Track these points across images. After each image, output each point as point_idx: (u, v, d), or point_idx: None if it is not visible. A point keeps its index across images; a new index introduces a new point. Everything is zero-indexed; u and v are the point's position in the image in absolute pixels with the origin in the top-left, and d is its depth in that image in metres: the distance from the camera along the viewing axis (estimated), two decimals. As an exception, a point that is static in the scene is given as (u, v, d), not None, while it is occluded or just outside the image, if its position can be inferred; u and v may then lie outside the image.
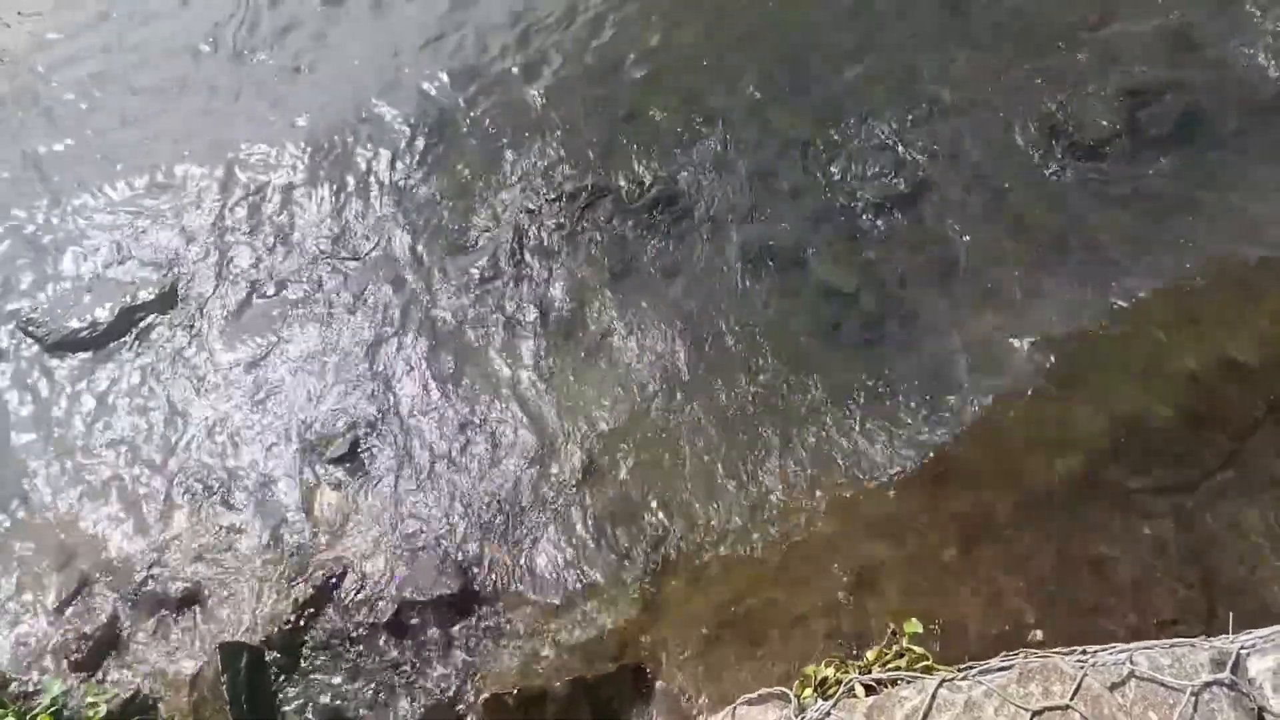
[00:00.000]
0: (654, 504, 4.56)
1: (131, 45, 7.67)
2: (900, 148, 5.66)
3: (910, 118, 5.80)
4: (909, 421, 4.62)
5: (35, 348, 5.65)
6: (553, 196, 5.86)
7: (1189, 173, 5.28)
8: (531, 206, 5.85)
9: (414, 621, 4.24)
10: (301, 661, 4.26)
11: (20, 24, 7.98)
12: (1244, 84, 5.50)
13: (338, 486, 4.83)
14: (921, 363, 4.82)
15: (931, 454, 4.51)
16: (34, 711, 4.15)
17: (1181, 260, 4.95)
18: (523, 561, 4.45)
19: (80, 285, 5.86)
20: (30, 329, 5.62)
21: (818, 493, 4.47)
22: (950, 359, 4.82)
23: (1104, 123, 5.47)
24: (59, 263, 6.07)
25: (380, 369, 5.29)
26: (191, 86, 7.18)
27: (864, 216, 5.43)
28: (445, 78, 6.80)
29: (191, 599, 4.58)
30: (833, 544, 4.31)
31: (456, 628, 4.23)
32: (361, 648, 4.25)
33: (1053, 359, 4.71)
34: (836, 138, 5.81)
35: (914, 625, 3.50)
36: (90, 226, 6.26)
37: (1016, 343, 4.79)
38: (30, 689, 4.33)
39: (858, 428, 4.64)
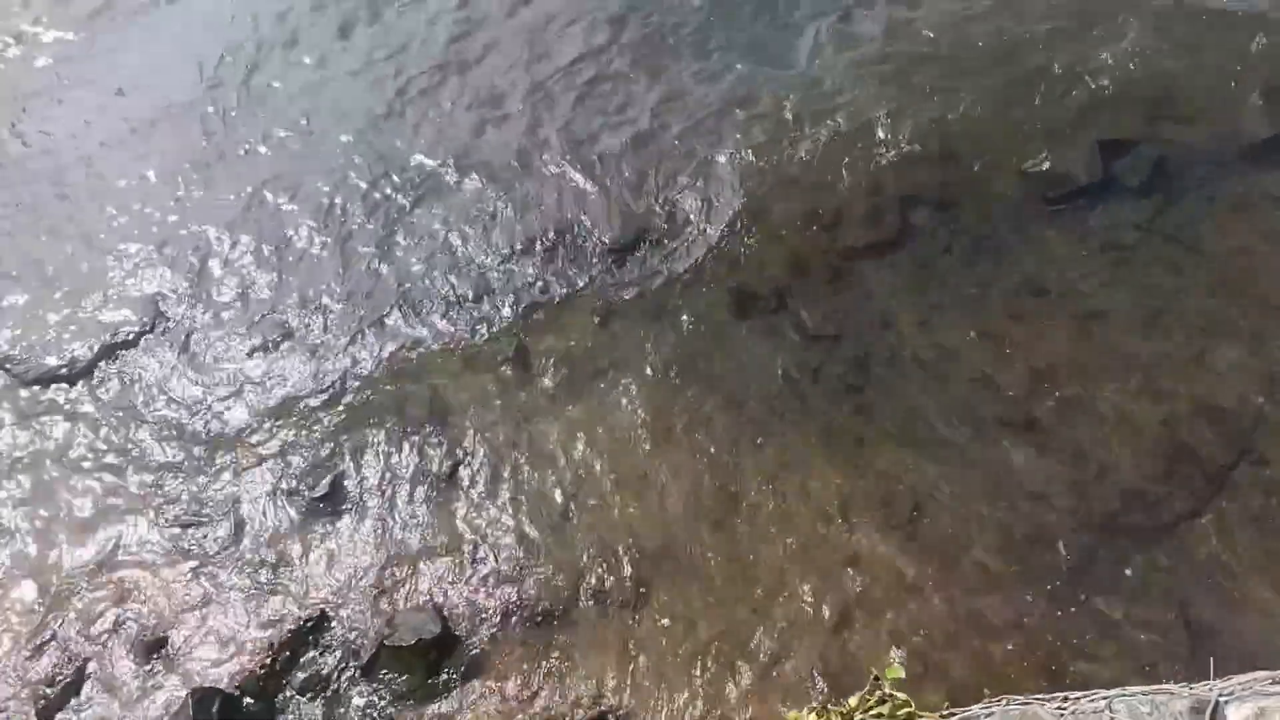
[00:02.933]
0: (632, 545, 4.56)
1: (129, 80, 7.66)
2: (882, 194, 5.75)
3: (893, 164, 5.89)
4: (888, 462, 4.67)
5: (13, 383, 5.57)
6: (528, 244, 5.90)
7: (1161, 220, 5.41)
8: (506, 254, 5.88)
9: (393, 666, 4.17)
10: (277, 708, 4.17)
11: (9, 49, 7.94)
12: (1215, 136, 5.66)
13: (317, 527, 4.77)
14: (901, 405, 4.87)
15: (912, 495, 4.55)
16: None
17: (1155, 304, 5.06)
18: (500, 604, 4.41)
19: (61, 324, 5.80)
20: (7, 366, 5.56)
21: (799, 533, 4.49)
22: (929, 401, 4.88)
23: (1081, 172, 5.59)
24: (41, 302, 6.01)
25: (362, 410, 5.26)
26: (183, 130, 7.16)
27: (847, 260, 5.51)
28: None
29: (162, 643, 4.48)
30: (814, 585, 4.31)
31: (437, 672, 4.17)
32: (339, 693, 4.18)
33: (1028, 410, 4.78)
34: (819, 183, 5.90)
35: (896, 670, 3.48)
36: (76, 266, 6.22)
37: (990, 392, 4.85)
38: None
39: (839, 468, 4.67)
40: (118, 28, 7.94)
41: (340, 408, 5.26)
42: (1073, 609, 4.12)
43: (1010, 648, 4.05)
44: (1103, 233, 5.41)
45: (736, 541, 4.52)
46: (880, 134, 6.02)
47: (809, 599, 4.28)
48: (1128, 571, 4.22)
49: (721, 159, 6.13)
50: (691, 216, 5.90)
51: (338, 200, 6.33)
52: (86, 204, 6.54)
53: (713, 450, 4.86)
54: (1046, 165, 5.69)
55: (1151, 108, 5.89)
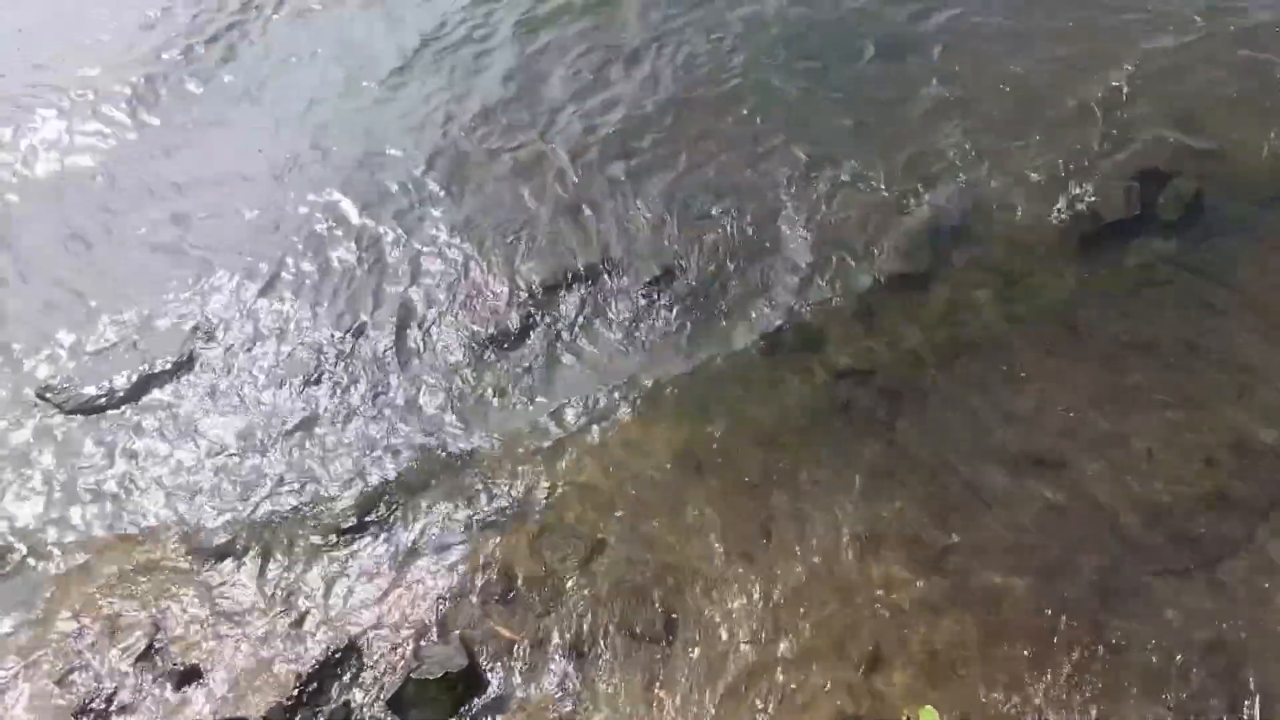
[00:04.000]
0: (660, 578, 4.53)
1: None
2: (908, 227, 5.77)
3: (922, 196, 5.91)
4: (923, 498, 4.62)
5: (53, 413, 5.70)
6: (560, 278, 5.96)
7: (1197, 256, 5.35)
8: (537, 286, 5.94)
9: (419, 699, 4.16)
10: (301, 741, 4.18)
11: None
12: (1256, 170, 5.63)
13: (345, 558, 4.80)
14: (935, 441, 4.83)
15: (943, 532, 4.49)
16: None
17: (1191, 340, 4.99)
18: (527, 638, 4.40)
19: (100, 354, 5.94)
20: (48, 395, 5.69)
21: (828, 568, 4.44)
22: (964, 439, 4.83)
23: (1118, 205, 5.56)
24: (83, 332, 6.17)
25: (398, 441, 5.31)
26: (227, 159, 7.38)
27: (873, 295, 5.51)
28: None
29: (192, 671, 4.51)
30: (843, 620, 4.25)
31: (463, 705, 4.15)
32: (364, 726, 4.19)
33: (1060, 447, 4.71)
34: (842, 216, 5.92)
35: (931, 714, 3.42)
36: (117, 297, 6.38)
37: (1020, 430, 4.79)
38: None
39: (871, 506, 4.63)
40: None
41: (369, 439, 5.32)
42: (1109, 650, 4.02)
43: (1044, 689, 3.95)
44: (1137, 268, 5.37)
45: (765, 576, 4.47)
46: (901, 170, 6.05)
47: (838, 635, 4.22)
48: (1167, 613, 4.11)
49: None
50: (720, 251, 5.95)
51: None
52: (129, 237, 6.73)
53: (742, 483, 4.84)
54: (1078, 199, 5.67)
55: (1188, 137, 5.85)
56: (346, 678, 4.34)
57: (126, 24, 8.89)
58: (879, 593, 4.33)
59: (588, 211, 6.36)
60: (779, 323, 5.51)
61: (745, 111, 6.81)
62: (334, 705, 4.23)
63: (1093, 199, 5.65)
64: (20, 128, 7.89)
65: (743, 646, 4.25)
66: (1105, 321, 5.18)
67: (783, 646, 4.21)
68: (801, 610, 4.31)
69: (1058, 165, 5.91)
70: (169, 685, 4.45)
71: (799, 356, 5.35)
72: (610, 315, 5.75)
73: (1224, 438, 4.63)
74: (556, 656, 4.32)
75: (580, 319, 5.76)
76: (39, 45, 8.77)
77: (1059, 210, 5.67)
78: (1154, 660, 3.96)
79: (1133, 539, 4.35)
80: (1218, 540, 4.29)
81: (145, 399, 5.69)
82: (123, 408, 5.65)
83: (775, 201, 6.14)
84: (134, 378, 5.76)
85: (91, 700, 4.42)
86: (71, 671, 4.57)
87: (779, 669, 4.14)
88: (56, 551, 5.08)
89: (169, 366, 5.81)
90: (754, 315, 5.58)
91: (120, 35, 8.76)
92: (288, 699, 4.24)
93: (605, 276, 5.95)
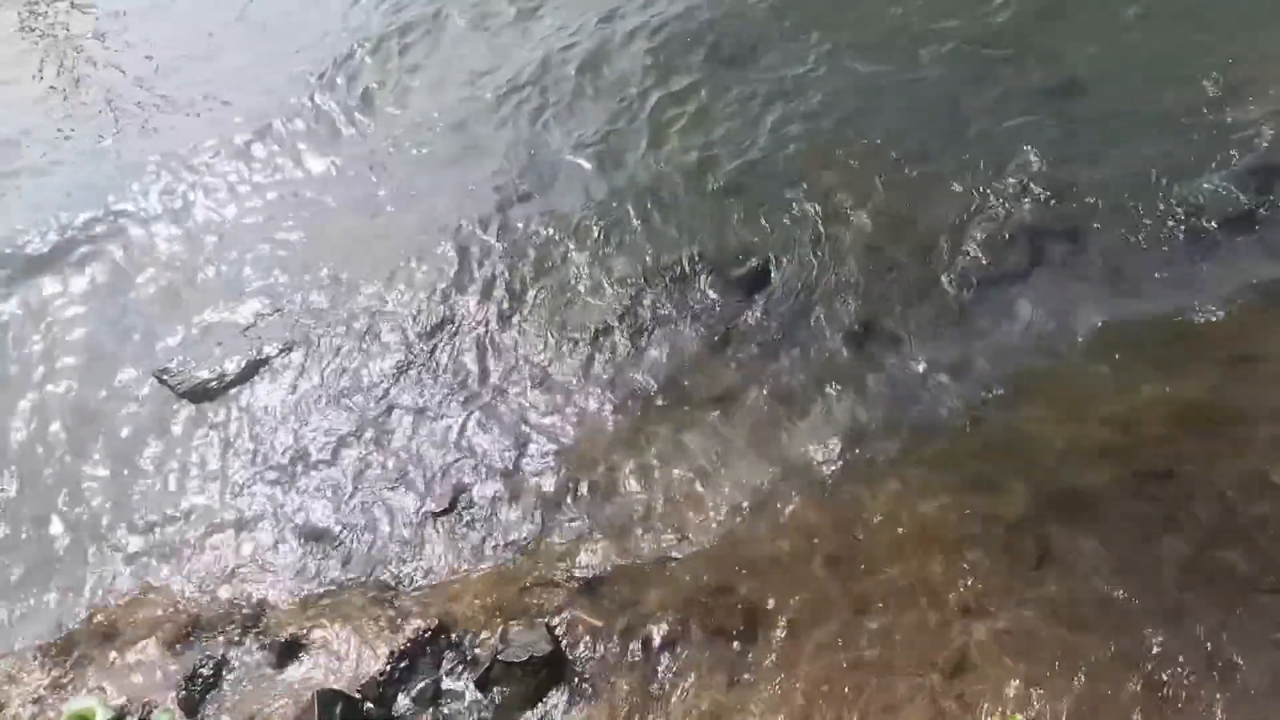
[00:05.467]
0: (744, 576, 4.51)
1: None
2: (1007, 225, 5.60)
3: (1018, 193, 5.73)
4: (1014, 507, 4.47)
5: (168, 395, 6.05)
6: (652, 270, 6.01)
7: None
8: (631, 279, 6.01)
9: (505, 681, 4.26)
10: (394, 714, 4.33)
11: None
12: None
13: (437, 541, 4.96)
14: (1030, 447, 4.68)
15: (1039, 543, 4.34)
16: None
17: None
18: (610, 628, 4.45)
19: (213, 339, 6.29)
20: (165, 378, 6.04)
21: (914, 574, 4.35)
22: (1053, 448, 4.67)
23: (1229, 207, 5.28)
24: (198, 318, 6.54)
25: (490, 429, 5.45)
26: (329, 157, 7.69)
27: (968, 296, 5.37)
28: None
29: (292, 644, 4.73)
30: (929, 628, 4.16)
31: (546, 690, 4.24)
32: (452, 703, 4.30)
33: (1168, 459, 4.50)
34: (941, 219, 5.78)
35: (1022, 722, 3.33)
36: (232, 285, 6.75)
37: (1124, 437, 4.61)
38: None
39: (961, 509, 4.51)
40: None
41: (463, 424, 5.48)
42: (1214, 674, 3.82)
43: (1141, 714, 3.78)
44: (1254, 268, 5.08)
45: (850, 577, 4.41)
46: (1012, 165, 5.88)
47: (924, 644, 4.13)
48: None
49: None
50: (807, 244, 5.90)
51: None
52: (244, 232, 7.10)
53: (828, 485, 4.78)
54: (1190, 194, 5.41)
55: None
56: (436, 657, 4.48)
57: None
58: (969, 601, 4.21)
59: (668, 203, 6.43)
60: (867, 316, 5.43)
61: (834, 105, 6.71)
62: (424, 682, 4.38)
63: (1206, 193, 5.36)
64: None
65: (823, 642, 4.20)
66: (1220, 324, 4.94)
67: (863, 645, 4.16)
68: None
69: (1170, 155, 5.64)
70: (272, 657, 4.69)
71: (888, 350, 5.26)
72: (694, 313, 5.75)
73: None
74: (639, 646, 4.36)
75: (660, 317, 5.78)
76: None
77: (1169, 203, 5.41)
78: (1262, 685, 3.74)
79: (1244, 558, 4.11)
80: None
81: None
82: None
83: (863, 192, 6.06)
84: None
85: (200, 667, 4.69)
86: (183, 641, 4.86)
87: (861, 671, 4.09)
88: (169, 529, 5.41)
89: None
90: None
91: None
92: (381, 674, 4.41)
93: (687, 265, 5.98)
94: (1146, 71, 6.22)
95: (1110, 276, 5.28)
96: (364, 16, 8.97)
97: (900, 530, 4.50)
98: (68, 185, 7.79)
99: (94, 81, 8.92)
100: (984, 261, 5.49)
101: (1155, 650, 3.85)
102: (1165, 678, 3.77)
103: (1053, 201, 5.67)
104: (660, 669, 4.29)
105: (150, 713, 4.56)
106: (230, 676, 4.68)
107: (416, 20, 8.68)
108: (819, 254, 5.81)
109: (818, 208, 6.05)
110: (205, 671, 4.66)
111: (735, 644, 4.29)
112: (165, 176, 7.69)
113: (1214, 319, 4.97)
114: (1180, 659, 3.81)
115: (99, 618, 5.07)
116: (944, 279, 5.48)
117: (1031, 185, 5.77)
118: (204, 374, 6.01)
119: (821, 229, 5.94)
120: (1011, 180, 5.82)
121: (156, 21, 9.64)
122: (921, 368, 5.14)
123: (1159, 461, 4.48)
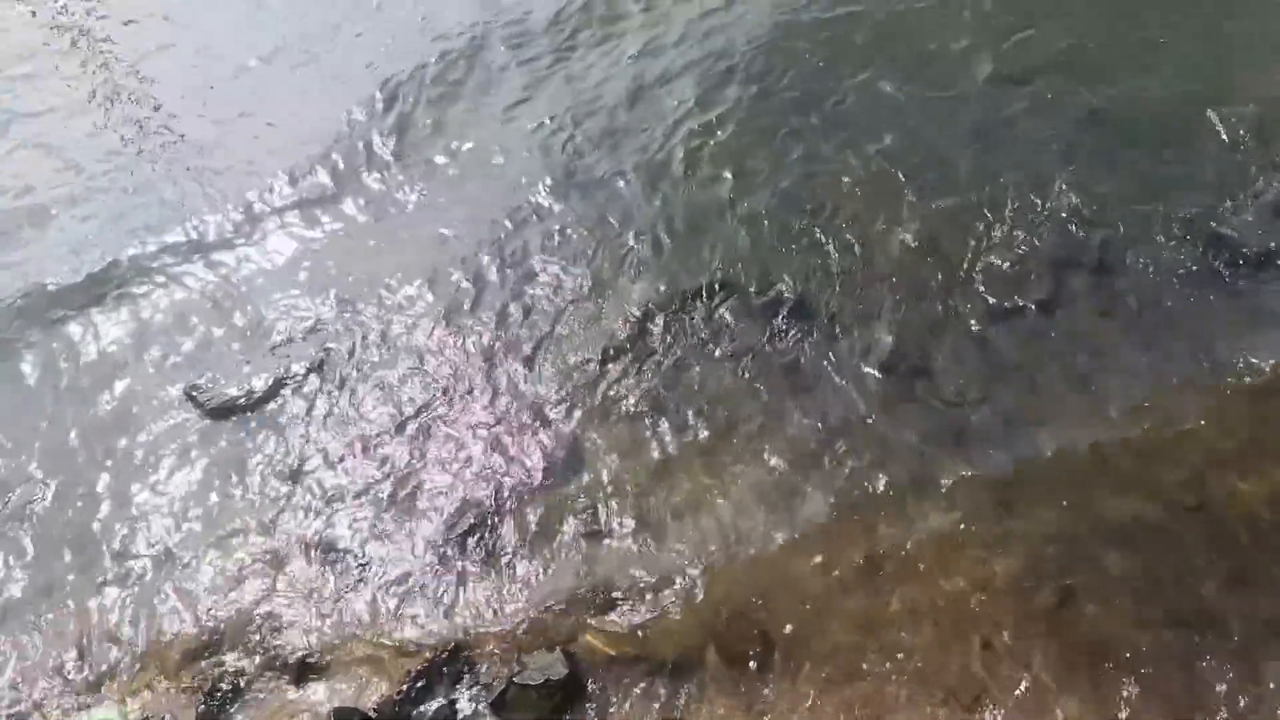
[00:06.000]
0: (763, 604, 4.49)
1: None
2: (1034, 257, 5.57)
3: (1046, 225, 5.71)
4: (1037, 539, 4.42)
5: (196, 412, 6.15)
6: (676, 295, 6.05)
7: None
8: (653, 304, 6.04)
9: (520, 704, 4.25)
10: (409, 734, 4.34)
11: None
12: None
13: (458, 563, 4.97)
14: (1053, 478, 4.63)
15: (1062, 576, 4.28)
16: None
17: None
18: (628, 654, 4.43)
19: (241, 358, 6.40)
20: (194, 394, 6.15)
21: (934, 605, 4.30)
22: (1086, 475, 4.61)
23: (1265, 240, 5.24)
24: (228, 337, 6.68)
25: (509, 453, 5.47)
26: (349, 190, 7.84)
27: (994, 327, 5.35)
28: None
29: (309, 662, 4.76)
30: (948, 663, 4.10)
31: (561, 715, 4.23)
32: (466, 727, 4.32)
33: (1198, 491, 4.44)
34: (964, 242, 5.77)
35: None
36: (259, 303, 6.89)
37: (1148, 464, 4.56)
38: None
39: (982, 540, 4.46)
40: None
41: (484, 448, 5.52)
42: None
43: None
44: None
45: (869, 608, 4.37)
46: (1041, 196, 5.87)
47: (941, 677, 4.07)
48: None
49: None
50: (833, 272, 5.91)
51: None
52: (277, 255, 7.26)
53: (847, 514, 4.75)
54: (1217, 228, 5.36)
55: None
56: (452, 678, 4.48)
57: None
58: (990, 634, 4.15)
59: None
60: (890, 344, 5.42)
61: (862, 131, 6.75)
62: (439, 703, 4.38)
63: (1233, 226, 5.32)
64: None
65: (841, 673, 4.16)
66: (1246, 357, 4.87)
67: (881, 676, 4.10)
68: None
69: (1193, 186, 5.60)
70: (289, 675, 4.71)
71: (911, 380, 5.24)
72: (717, 340, 5.77)
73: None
74: (655, 673, 4.33)
75: (683, 344, 5.79)
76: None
77: (1196, 237, 5.37)
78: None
79: (1272, 595, 4.02)
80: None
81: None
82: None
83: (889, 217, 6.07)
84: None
85: (219, 683, 4.73)
86: (202, 657, 4.90)
87: (879, 703, 4.04)
88: (192, 546, 5.48)
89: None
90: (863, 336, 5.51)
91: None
92: (396, 694, 4.42)
93: (716, 292, 6.01)
94: (1177, 100, 6.20)
95: (1140, 309, 5.22)
96: (404, 48, 9.14)
97: (922, 562, 4.46)
98: (107, 217, 7.95)
99: (137, 116, 9.13)
100: (1011, 292, 5.45)
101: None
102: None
103: (1082, 232, 5.63)
104: (677, 696, 4.26)
105: (169, 726, 4.60)
106: (248, 693, 4.71)
107: (456, 51, 8.84)
108: (845, 282, 5.81)
109: (845, 236, 6.06)
110: (224, 687, 4.70)
111: (752, 672, 4.26)
112: (204, 208, 7.82)
113: (1246, 354, 4.90)
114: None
115: (120, 630, 5.14)
116: (970, 309, 5.45)
117: (1061, 216, 5.74)
118: (232, 391, 6.10)
119: (848, 257, 5.93)
120: (1041, 211, 5.80)
121: (198, 53, 9.89)
122: (946, 398, 5.10)
123: (1189, 496, 4.41)
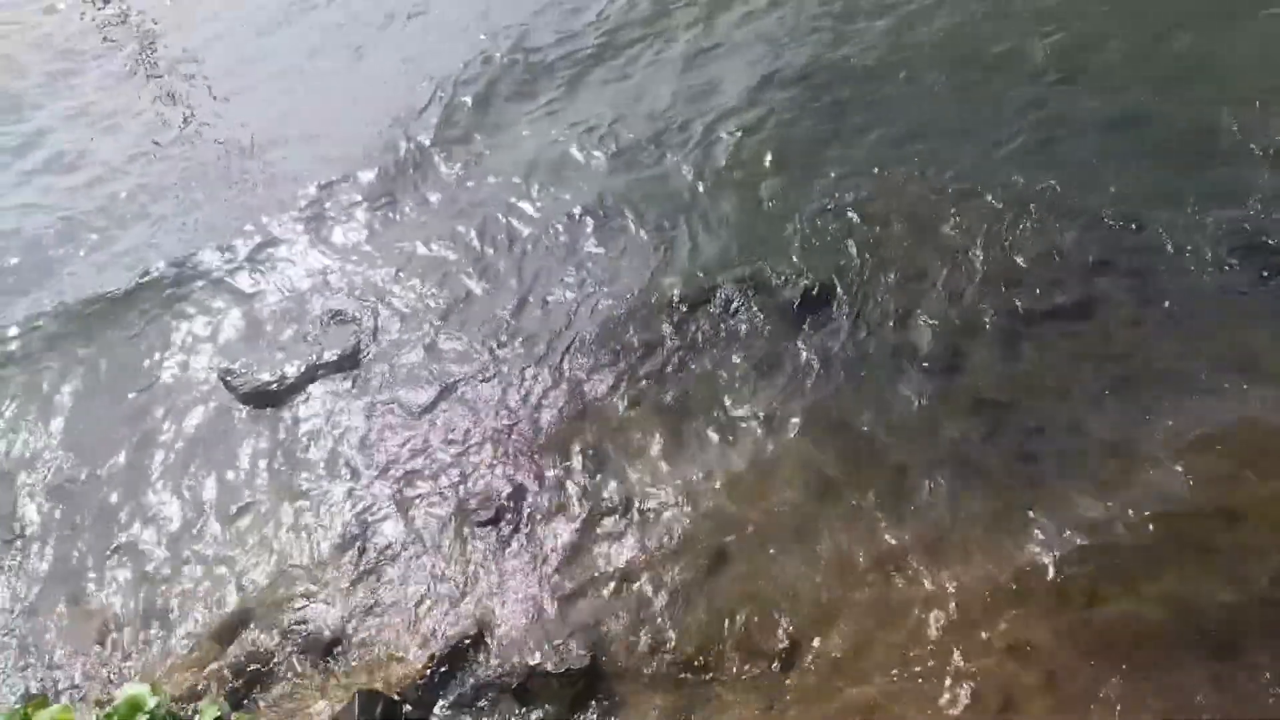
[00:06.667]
0: (784, 601, 4.48)
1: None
2: (1068, 259, 5.52)
3: (1081, 229, 5.66)
4: (1059, 541, 4.37)
5: (230, 397, 6.27)
6: (701, 287, 6.07)
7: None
8: (676, 296, 6.07)
9: (541, 691, 4.29)
10: (431, 717, 4.38)
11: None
12: None
13: (480, 549, 5.03)
14: (1077, 485, 4.58)
15: (1089, 583, 4.23)
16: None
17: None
18: (648, 645, 4.44)
19: (275, 344, 6.52)
20: (228, 379, 6.28)
21: (956, 608, 4.26)
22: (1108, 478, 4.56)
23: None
24: (263, 324, 6.81)
25: (535, 444, 5.51)
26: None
27: (1024, 329, 5.30)
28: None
29: (335, 644, 4.83)
30: (971, 667, 4.07)
31: (582, 703, 4.26)
32: (489, 710, 4.35)
33: (1227, 501, 4.36)
34: (1001, 245, 5.74)
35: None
36: (292, 294, 7.01)
37: (1181, 467, 4.49)
38: (190, 713, 4.65)
39: (1006, 544, 4.43)
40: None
41: (510, 437, 5.57)
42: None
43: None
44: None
45: (891, 608, 4.35)
46: (1075, 198, 5.82)
47: (962, 682, 4.03)
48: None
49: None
50: (863, 270, 5.90)
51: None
52: (310, 250, 7.39)
53: (871, 514, 4.73)
54: (1248, 230, 5.30)
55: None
56: (475, 663, 4.53)
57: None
58: (1014, 640, 4.11)
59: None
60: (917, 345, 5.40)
61: (897, 135, 6.75)
62: (463, 688, 4.43)
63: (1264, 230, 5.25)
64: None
65: (865, 676, 4.15)
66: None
67: (901, 675, 4.08)
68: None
69: (1224, 188, 5.53)
70: (315, 656, 4.78)
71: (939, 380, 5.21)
72: (751, 329, 5.77)
73: None
74: (676, 665, 4.35)
75: (709, 338, 5.80)
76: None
77: (1226, 240, 5.30)
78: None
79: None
80: None
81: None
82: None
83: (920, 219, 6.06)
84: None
85: (247, 663, 4.81)
86: (231, 637, 4.99)
87: (900, 702, 4.02)
88: (224, 527, 5.59)
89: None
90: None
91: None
92: (420, 677, 4.47)
93: (750, 286, 6.03)
94: (1210, 102, 6.14)
95: (1174, 312, 5.15)
96: (450, 57, 9.25)
97: (951, 562, 4.42)
98: (159, 228, 8.16)
99: (188, 129, 9.33)
100: (1040, 294, 5.41)
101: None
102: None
103: (1116, 235, 5.58)
104: (697, 690, 4.27)
105: (198, 703, 4.68)
106: (274, 673, 4.79)
107: (503, 61, 8.96)
108: (874, 281, 5.80)
109: (876, 234, 6.06)
110: (252, 667, 4.78)
111: (773, 669, 4.26)
112: (254, 216, 7.96)
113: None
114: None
115: (150, 610, 5.26)
116: (1006, 310, 5.41)
117: (1095, 218, 5.69)
118: (265, 376, 6.22)
119: (878, 256, 5.93)
120: (1074, 213, 5.75)
121: (250, 62, 10.11)
122: (975, 402, 5.06)
123: (1226, 502, 4.35)
